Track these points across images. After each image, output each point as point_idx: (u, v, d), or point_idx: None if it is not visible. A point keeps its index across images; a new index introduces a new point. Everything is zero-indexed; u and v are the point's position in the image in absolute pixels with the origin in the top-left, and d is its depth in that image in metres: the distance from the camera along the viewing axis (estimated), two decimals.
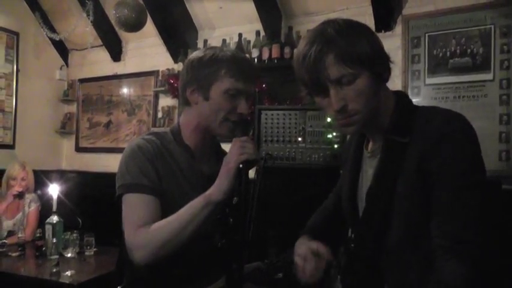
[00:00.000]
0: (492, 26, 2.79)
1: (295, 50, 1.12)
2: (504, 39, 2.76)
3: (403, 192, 1.04)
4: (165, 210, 1.31)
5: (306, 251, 1.25)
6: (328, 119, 2.56)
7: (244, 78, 1.36)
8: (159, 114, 4.14)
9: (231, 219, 1.35)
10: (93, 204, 3.74)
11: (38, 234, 3.23)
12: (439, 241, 0.97)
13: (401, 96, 1.17)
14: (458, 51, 2.89)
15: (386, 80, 1.13)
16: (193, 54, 1.44)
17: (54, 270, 2.58)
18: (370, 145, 1.21)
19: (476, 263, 0.93)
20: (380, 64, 1.07)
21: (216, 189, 1.23)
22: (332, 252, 1.24)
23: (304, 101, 3.22)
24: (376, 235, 1.10)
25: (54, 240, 2.94)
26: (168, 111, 4.05)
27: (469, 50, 2.86)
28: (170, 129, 1.48)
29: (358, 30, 1.07)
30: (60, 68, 4.75)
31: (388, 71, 1.11)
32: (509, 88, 2.74)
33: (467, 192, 0.97)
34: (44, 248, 2.96)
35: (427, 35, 3.00)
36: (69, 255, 2.97)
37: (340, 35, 1.03)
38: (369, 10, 3.05)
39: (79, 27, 4.09)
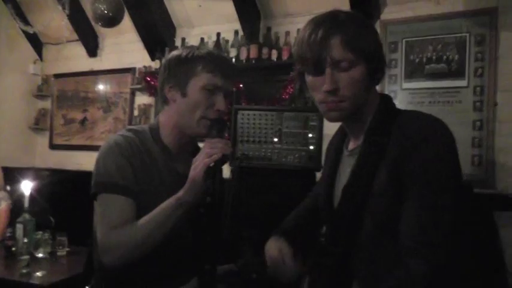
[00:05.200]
0: (467, 34, 2.85)
1: (300, 32, 1.14)
2: (479, 47, 2.82)
3: (377, 191, 1.05)
4: (140, 209, 1.29)
5: (275, 253, 1.26)
6: (305, 120, 2.57)
7: (221, 74, 1.36)
8: (135, 112, 4.10)
9: (205, 220, 1.34)
10: (66, 203, 3.66)
11: (8, 234, 3.14)
12: (405, 241, 0.99)
13: (386, 99, 1.18)
14: (434, 57, 2.95)
15: (378, 81, 1.15)
16: (171, 53, 1.44)
17: (25, 271, 2.52)
18: (351, 144, 1.23)
19: (439, 265, 0.95)
20: (377, 62, 1.10)
21: (186, 191, 1.22)
22: (306, 251, 1.25)
23: (283, 99, 3.25)
24: (348, 231, 1.11)
25: (25, 240, 2.87)
26: (145, 110, 4.02)
27: (444, 57, 2.92)
28: (149, 127, 1.46)
29: (367, 24, 1.11)
30: (34, 63, 4.65)
31: (381, 73, 1.13)
32: (482, 95, 2.81)
33: (438, 196, 0.98)
34: (14, 248, 2.88)
35: (404, 40, 3.05)
36: (40, 255, 2.90)
37: (351, 22, 1.06)
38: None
39: (54, 21, 3.99)
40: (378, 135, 1.09)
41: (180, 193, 1.23)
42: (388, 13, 3.13)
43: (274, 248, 1.29)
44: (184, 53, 1.38)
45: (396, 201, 1.02)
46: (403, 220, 1.01)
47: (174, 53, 1.43)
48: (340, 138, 1.30)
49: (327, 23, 1.06)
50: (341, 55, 1.04)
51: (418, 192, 0.99)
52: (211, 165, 1.19)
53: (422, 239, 0.97)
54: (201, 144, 1.48)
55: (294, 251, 1.27)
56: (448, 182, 0.99)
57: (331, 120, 1.16)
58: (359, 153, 1.12)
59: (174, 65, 1.39)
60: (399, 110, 1.15)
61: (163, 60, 1.46)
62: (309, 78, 1.13)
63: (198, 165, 1.20)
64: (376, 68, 1.10)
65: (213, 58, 1.37)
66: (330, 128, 1.24)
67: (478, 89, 2.82)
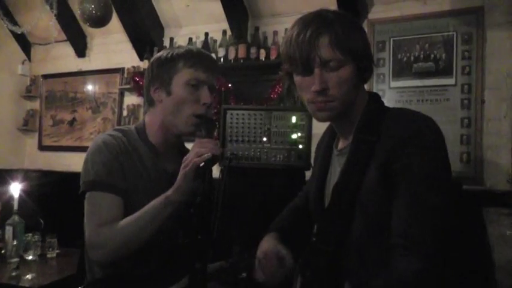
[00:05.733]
0: (454, 33, 2.88)
1: (288, 31, 1.14)
2: (466, 45, 2.85)
3: (368, 190, 1.05)
4: (128, 208, 1.31)
5: (267, 250, 1.26)
6: (293, 120, 2.58)
7: (203, 67, 1.39)
8: (124, 113, 4.08)
9: (195, 219, 1.34)
10: (56, 204, 3.64)
11: None
12: (397, 239, 0.99)
13: (375, 97, 1.19)
14: (422, 56, 2.97)
15: (366, 80, 1.16)
16: (154, 56, 1.47)
17: (14, 273, 2.52)
18: (340, 143, 1.23)
19: (430, 262, 0.95)
20: (366, 61, 1.11)
21: (175, 191, 1.23)
22: (297, 250, 1.25)
23: (271, 99, 3.26)
24: (339, 230, 1.11)
25: (15, 242, 2.85)
26: (133, 110, 4.00)
27: (432, 55, 2.94)
28: (135, 127, 1.48)
29: (354, 23, 1.12)
30: (22, 63, 4.61)
31: (370, 72, 1.14)
32: (470, 93, 2.83)
33: (428, 194, 0.98)
34: (3, 251, 2.86)
35: (392, 39, 3.07)
36: (30, 257, 2.88)
37: (338, 21, 1.06)
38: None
39: (42, 21, 3.96)
40: (367, 134, 1.09)
41: (169, 192, 1.24)
42: (376, 12, 3.14)
43: (268, 245, 1.28)
44: (164, 54, 1.42)
45: (386, 200, 1.02)
46: (393, 218, 1.01)
47: (156, 55, 1.46)
48: (330, 137, 1.30)
49: (315, 23, 1.06)
50: (330, 55, 1.05)
51: (407, 190, 0.99)
52: (201, 165, 1.20)
53: (412, 237, 0.97)
54: (188, 144, 1.49)
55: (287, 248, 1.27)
56: (438, 179, 1.00)
57: (321, 120, 1.17)
58: (348, 152, 1.13)
59: (156, 66, 1.41)
60: (388, 108, 1.16)
61: (148, 64, 1.49)
62: (297, 78, 1.13)
63: (188, 164, 1.21)
64: (364, 67, 1.11)
65: (192, 54, 1.40)
66: (319, 127, 1.25)
67: (466, 87, 2.85)
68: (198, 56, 1.40)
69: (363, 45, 1.09)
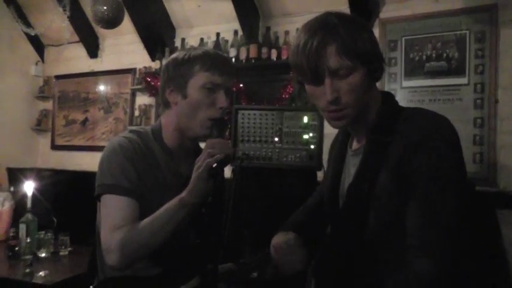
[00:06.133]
0: (467, 32, 2.85)
1: (294, 38, 1.13)
2: (478, 44, 2.81)
3: (382, 191, 1.04)
4: (144, 210, 1.30)
5: (279, 241, 1.26)
6: (305, 120, 2.58)
7: (219, 71, 1.36)
8: (136, 113, 4.11)
9: (207, 219, 1.34)
10: (68, 203, 3.67)
11: (11, 234, 3.16)
12: (412, 240, 0.98)
13: (388, 97, 1.17)
14: (434, 55, 2.94)
15: (378, 79, 1.14)
16: (170, 57, 1.45)
17: (28, 270, 2.54)
18: (354, 143, 1.22)
19: (446, 264, 0.94)
20: (376, 62, 1.09)
21: (189, 193, 1.22)
22: (313, 248, 1.25)
23: (283, 99, 3.25)
24: (353, 231, 1.10)
25: (28, 240, 2.88)
26: (145, 110, 4.02)
27: (444, 55, 2.91)
28: (151, 128, 1.47)
29: (360, 25, 1.09)
30: (36, 64, 4.67)
31: (381, 71, 1.12)
32: (483, 92, 2.80)
33: (444, 194, 0.97)
34: (17, 248, 2.89)
35: (403, 38, 3.05)
36: (43, 255, 2.91)
37: (344, 27, 1.04)
38: (347, 13, 3.06)
39: (55, 23, 4.01)
40: (381, 135, 1.08)
41: (183, 194, 1.23)
42: (387, 11, 3.13)
43: (281, 238, 1.28)
44: (180, 56, 1.39)
45: (401, 200, 1.01)
46: (408, 219, 1.00)
47: (172, 56, 1.44)
48: (344, 137, 1.29)
49: (321, 31, 1.04)
50: (338, 63, 1.03)
51: (422, 191, 0.98)
52: (213, 165, 1.20)
53: (428, 238, 0.96)
54: (201, 145, 1.49)
55: (300, 241, 1.26)
56: (452, 180, 0.99)
57: (337, 127, 1.16)
58: (363, 153, 1.12)
59: (172, 68, 1.39)
60: (402, 108, 1.14)
61: (163, 64, 1.47)
62: (308, 88, 1.12)
63: (201, 166, 1.20)
64: (375, 68, 1.09)
65: (209, 57, 1.37)
66: (331, 127, 1.24)
67: (479, 86, 2.82)
68: (215, 59, 1.38)
69: (371, 47, 1.07)
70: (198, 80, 1.35)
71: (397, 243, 1.02)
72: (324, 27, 1.05)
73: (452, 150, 1.01)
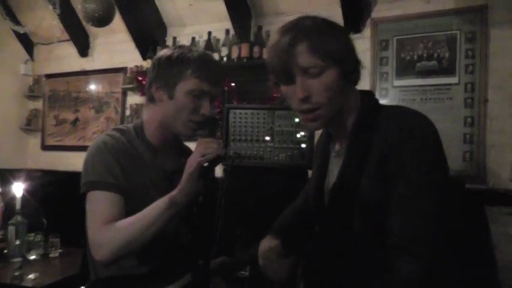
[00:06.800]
0: (458, 32, 2.87)
1: (270, 40, 1.13)
2: (469, 44, 2.84)
3: (365, 191, 1.04)
4: (129, 206, 1.30)
5: (266, 248, 1.26)
6: (296, 119, 2.58)
7: (209, 79, 1.36)
8: (127, 112, 4.09)
9: (198, 218, 1.35)
10: (58, 204, 3.64)
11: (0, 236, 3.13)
12: (394, 240, 0.99)
13: (368, 96, 1.17)
14: (425, 55, 2.97)
15: (355, 82, 1.14)
16: (162, 52, 1.44)
17: (17, 273, 2.52)
18: (337, 145, 1.22)
19: (430, 263, 0.95)
20: (350, 64, 1.08)
21: (180, 192, 1.22)
22: (300, 250, 1.25)
23: (274, 98, 3.25)
24: (338, 231, 1.11)
25: (18, 242, 2.85)
26: (137, 109, 4.00)
27: (435, 54, 2.93)
28: (133, 126, 1.47)
29: (333, 27, 1.09)
30: (25, 63, 4.61)
31: (356, 74, 1.12)
32: (473, 92, 2.83)
33: (425, 192, 0.97)
34: (6, 251, 2.87)
35: (395, 38, 3.07)
36: (33, 257, 2.88)
37: (316, 27, 1.05)
38: (339, 12, 3.08)
39: (45, 21, 3.97)
40: (362, 135, 1.08)
41: (174, 192, 1.23)
42: (379, 11, 3.14)
43: (267, 247, 1.28)
44: (175, 54, 1.38)
45: (384, 200, 1.01)
46: (390, 218, 1.01)
47: (165, 52, 1.42)
48: (326, 138, 1.29)
49: (292, 31, 1.05)
50: (309, 61, 1.03)
51: (402, 190, 0.99)
52: (205, 165, 1.20)
53: (410, 237, 0.96)
54: (189, 144, 1.49)
55: (286, 250, 1.26)
56: (433, 178, 0.99)
57: (312, 129, 1.16)
58: (345, 154, 1.12)
59: (164, 65, 1.39)
60: (381, 106, 1.14)
61: (153, 58, 1.46)
62: (283, 88, 1.12)
63: (192, 165, 1.20)
64: (349, 70, 1.09)
65: (202, 63, 1.37)
66: None
67: (469, 85, 2.84)
68: (208, 66, 1.38)
69: (344, 49, 1.07)
70: (188, 84, 1.35)
71: (383, 242, 1.02)
72: (295, 27, 1.06)
73: (431, 148, 1.01)
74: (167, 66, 1.38)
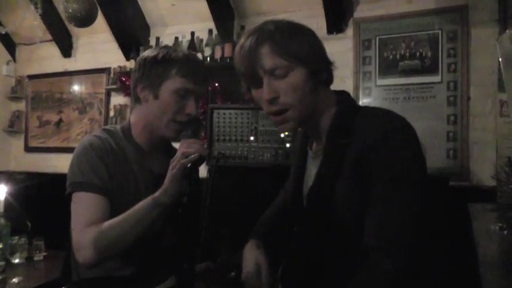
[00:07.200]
0: (440, 31, 2.90)
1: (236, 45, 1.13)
2: (451, 43, 2.88)
3: (341, 193, 1.04)
4: (114, 208, 1.29)
5: (251, 268, 1.24)
6: None
7: (195, 78, 1.36)
8: (111, 113, 4.06)
9: (182, 219, 1.34)
10: (42, 206, 3.60)
11: None
12: (370, 241, 0.98)
13: (343, 97, 1.17)
14: (407, 54, 2.99)
15: (327, 82, 1.14)
16: (147, 52, 1.43)
17: (0, 277, 2.47)
18: (314, 145, 1.22)
19: (406, 263, 0.95)
20: (317, 63, 1.08)
21: (163, 192, 1.22)
22: (279, 255, 1.25)
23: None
24: (316, 234, 1.11)
25: (0, 246, 2.80)
26: (120, 110, 3.97)
27: (418, 53, 2.96)
28: (121, 127, 1.47)
29: (298, 29, 1.09)
30: (7, 64, 4.56)
31: (327, 73, 1.12)
32: (456, 90, 2.86)
33: (402, 193, 0.97)
34: None
35: (377, 38, 3.08)
36: (16, 261, 2.83)
37: (278, 29, 1.06)
38: (321, 12, 3.09)
39: (27, 20, 3.91)
40: (339, 137, 1.08)
41: (157, 194, 1.23)
42: (361, 11, 3.16)
43: (251, 259, 1.27)
44: (160, 54, 1.38)
45: (361, 201, 1.01)
46: (366, 219, 1.00)
47: (150, 53, 1.42)
48: (303, 138, 1.29)
49: (255, 34, 1.06)
50: (273, 63, 1.04)
51: (378, 191, 0.99)
52: (188, 165, 1.19)
53: (385, 237, 0.96)
54: (175, 144, 1.48)
55: (268, 260, 1.25)
56: (411, 177, 0.99)
57: (285, 131, 1.15)
58: (322, 155, 1.12)
59: (149, 65, 1.38)
60: (358, 107, 1.14)
61: (138, 58, 1.45)
62: (253, 92, 1.12)
63: (175, 165, 1.20)
64: (317, 69, 1.08)
65: (187, 62, 1.37)
66: None
67: (452, 84, 2.88)
68: (193, 66, 1.38)
69: (309, 49, 1.07)
70: (173, 83, 1.35)
71: (360, 244, 1.01)
72: (258, 30, 1.07)
73: (409, 147, 1.01)
74: (152, 65, 1.37)
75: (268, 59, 1.03)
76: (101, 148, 1.34)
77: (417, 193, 0.98)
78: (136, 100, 1.43)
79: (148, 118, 1.40)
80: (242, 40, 1.08)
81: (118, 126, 1.48)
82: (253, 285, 1.23)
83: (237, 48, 1.09)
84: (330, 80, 1.14)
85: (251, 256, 1.28)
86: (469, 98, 2.83)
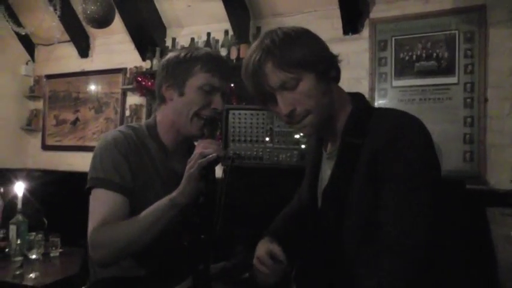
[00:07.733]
0: (456, 32, 2.86)
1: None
2: (468, 44, 2.84)
3: (356, 193, 1.05)
4: (136, 206, 1.29)
5: (263, 253, 1.25)
6: None
7: (219, 74, 1.37)
8: (127, 113, 4.09)
9: (198, 219, 1.34)
10: (59, 204, 3.65)
11: (1, 235, 3.13)
12: (384, 241, 0.99)
13: (358, 98, 1.17)
14: (424, 55, 2.95)
15: (336, 79, 1.14)
16: (170, 54, 1.45)
17: (18, 272, 2.53)
18: (329, 146, 1.22)
19: (419, 264, 0.95)
20: (322, 64, 1.08)
21: (180, 193, 1.22)
22: (294, 253, 1.25)
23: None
24: (330, 233, 1.11)
25: (19, 241, 2.87)
26: (136, 110, 4.00)
27: (434, 54, 2.92)
28: (145, 124, 1.47)
29: (295, 37, 1.08)
30: (26, 64, 4.63)
31: (334, 70, 1.12)
32: (473, 91, 2.82)
33: (414, 194, 0.98)
34: (7, 250, 2.89)
35: (393, 38, 3.05)
36: (33, 256, 2.89)
37: (276, 44, 1.05)
38: (337, 13, 3.09)
39: (46, 22, 3.98)
40: (353, 138, 1.09)
41: (174, 193, 1.23)
42: (377, 12, 3.13)
43: (263, 249, 1.27)
44: (182, 54, 1.40)
45: (375, 202, 1.02)
46: (380, 219, 1.01)
47: (173, 53, 1.44)
48: (318, 140, 1.29)
49: (255, 52, 1.07)
50: (279, 78, 1.04)
51: (392, 192, 0.99)
52: (205, 166, 1.20)
53: (399, 239, 0.97)
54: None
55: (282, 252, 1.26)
56: (424, 179, 0.99)
57: (308, 134, 1.16)
58: (336, 156, 1.12)
59: (173, 65, 1.40)
60: (372, 109, 1.15)
61: (162, 60, 1.47)
62: (271, 108, 1.13)
63: (193, 166, 1.20)
64: (324, 69, 1.08)
65: (210, 58, 1.38)
66: None
67: (468, 85, 2.83)
68: (216, 62, 1.39)
69: (310, 52, 1.07)
70: (197, 80, 1.36)
71: (374, 244, 1.02)
72: (258, 48, 1.08)
73: (422, 148, 1.01)
74: (176, 65, 1.39)
75: (273, 76, 1.04)
76: (124, 145, 1.34)
77: (431, 193, 0.99)
78: (162, 100, 1.44)
79: (174, 116, 1.40)
80: (245, 60, 1.10)
81: (143, 123, 1.48)
82: (264, 271, 1.23)
83: (243, 69, 1.10)
84: (338, 75, 1.14)
85: (263, 246, 1.28)
86: (486, 100, 2.79)
